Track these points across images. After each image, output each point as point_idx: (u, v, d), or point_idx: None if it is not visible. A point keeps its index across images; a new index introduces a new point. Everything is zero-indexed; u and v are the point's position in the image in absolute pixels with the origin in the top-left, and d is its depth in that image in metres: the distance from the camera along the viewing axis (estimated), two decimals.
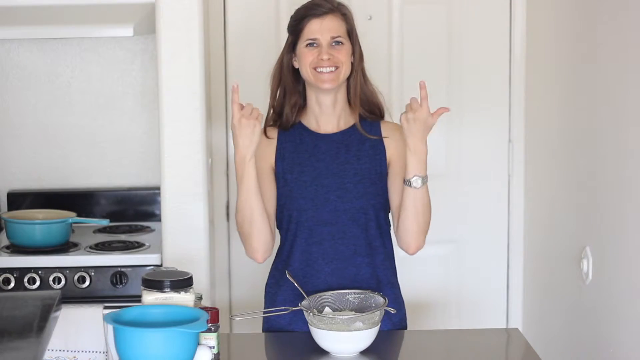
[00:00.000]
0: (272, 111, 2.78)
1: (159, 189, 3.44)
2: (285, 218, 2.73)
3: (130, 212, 3.84)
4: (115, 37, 3.73)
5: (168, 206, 3.32)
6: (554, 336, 3.54)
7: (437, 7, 3.92)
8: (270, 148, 2.74)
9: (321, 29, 2.66)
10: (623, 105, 2.83)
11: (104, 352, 2.66)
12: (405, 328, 2.79)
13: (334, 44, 2.66)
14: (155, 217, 3.80)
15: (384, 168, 2.72)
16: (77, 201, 3.77)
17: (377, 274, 2.71)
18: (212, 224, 3.56)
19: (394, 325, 2.71)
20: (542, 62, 3.69)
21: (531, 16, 3.82)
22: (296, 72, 2.73)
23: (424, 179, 2.63)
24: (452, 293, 4.02)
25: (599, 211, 3.03)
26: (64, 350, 2.99)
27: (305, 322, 2.59)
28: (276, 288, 2.75)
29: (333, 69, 2.65)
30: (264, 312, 2.70)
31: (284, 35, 3.81)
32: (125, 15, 3.36)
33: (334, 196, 2.68)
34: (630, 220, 2.78)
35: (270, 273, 2.79)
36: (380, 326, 2.51)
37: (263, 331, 2.77)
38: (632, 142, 2.76)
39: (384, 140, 2.73)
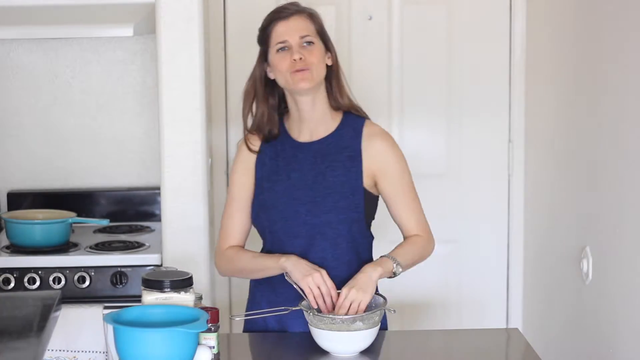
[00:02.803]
0: (251, 126, 2.72)
1: (159, 189, 3.44)
2: (260, 227, 2.71)
3: (130, 212, 3.83)
4: (115, 37, 3.72)
5: (168, 206, 3.31)
6: (554, 336, 3.54)
7: (437, 7, 3.92)
8: (253, 161, 2.71)
9: (288, 30, 2.60)
10: (623, 105, 2.83)
11: (104, 352, 2.66)
12: (386, 328, 2.75)
13: (304, 44, 2.61)
14: (155, 217, 3.80)
15: (359, 181, 2.63)
16: (77, 201, 3.77)
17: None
18: (212, 224, 3.55)
19: None
20: (542, 62, 3.69)
21: (531, 17, 3.82)
22: (271, 84, 2.68)
23: (397, 267, 2.59)
24: (452, 293, 4.02)
25: (599, 211, 3.03)
26: (64, 350, 2.98)
27: (278, 321, 2.64)
28: (256, 286, 2.76)
29: (305, 69, 2.59)
30: (264, 313, 2.70)
31: None
32: (125, 15, 3.36)
33: (304, 209, 2.63)
34: (630, 221, 2.78)
35: None
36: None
37: (244, 331, 2.77)
38: (632, 142, 2.76)
39: (363, 152, 2.65)
